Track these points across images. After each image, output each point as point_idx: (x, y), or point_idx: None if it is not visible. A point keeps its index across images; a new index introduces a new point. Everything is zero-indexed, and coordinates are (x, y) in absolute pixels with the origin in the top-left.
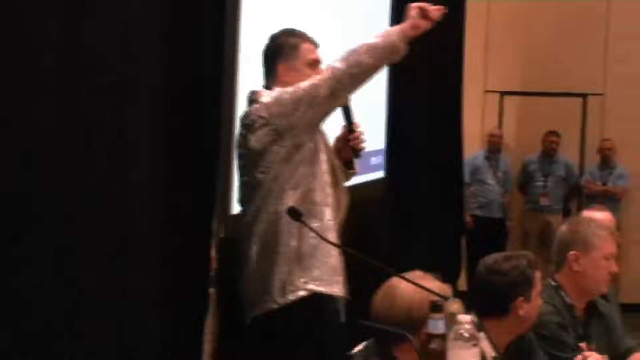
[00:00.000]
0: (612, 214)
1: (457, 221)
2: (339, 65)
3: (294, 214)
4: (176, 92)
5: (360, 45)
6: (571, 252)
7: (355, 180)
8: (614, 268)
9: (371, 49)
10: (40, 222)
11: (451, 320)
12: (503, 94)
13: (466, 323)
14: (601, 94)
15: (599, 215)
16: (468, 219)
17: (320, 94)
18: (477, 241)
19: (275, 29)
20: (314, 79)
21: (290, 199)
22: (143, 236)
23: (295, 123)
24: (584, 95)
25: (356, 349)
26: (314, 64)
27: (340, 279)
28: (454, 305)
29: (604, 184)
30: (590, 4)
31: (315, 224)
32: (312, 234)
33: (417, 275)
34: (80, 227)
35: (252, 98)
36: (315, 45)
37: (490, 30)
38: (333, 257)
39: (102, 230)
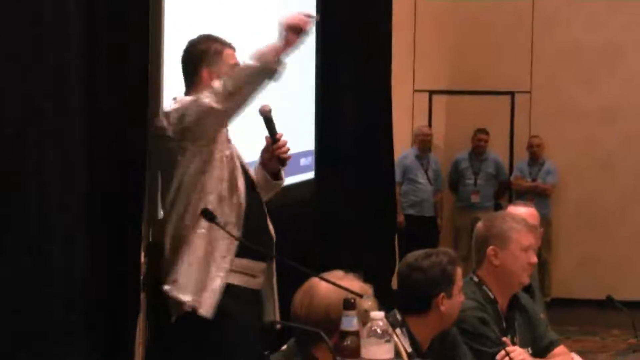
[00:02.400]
0: (540, 210)
1: (389, 221)
2: (220, 85)
3: (208, 215)
4: (101, 96)
5: (239, 67)
6: (490, 248)
7: (284, 181)
8: (533, 259)
9: (247, 71)
10: None
11: (364, 317)
12: (432, 93)
13: (379, 320)
14: (528, 92)
15: (523, 210)
16: (400, 218)
17: (204, 105)
18: (409, 240)
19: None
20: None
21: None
22: (72, 239)
23: (186, 130)
24: (511, 94)
25: (283, 348)
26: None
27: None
28: (367, 303)
29: (534, 180)
30: (516, 3)
31: (201, 230)
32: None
33: (337, 275)
34: (4, 229)
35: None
36: (234, 50)
37: (418, 30)
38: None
39: (28, 234)
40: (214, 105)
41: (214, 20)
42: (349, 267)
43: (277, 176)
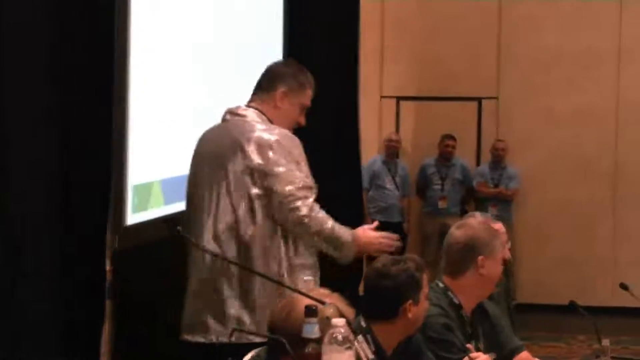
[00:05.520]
0: (503, 214)
1: (357, 227)
2: (317, 217)
3: (170, 225)
4: (67, 101)
5: (335, 232)
6: (480, 257)
7: None
8: (501, 269)
9: (332, 241)
10: None
11: (326, 324)
12: (399, 99)
13: (340, 327)
14: (495, 98)
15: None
16: (368, 224)
17: (296, 209)
18: None
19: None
20: (302, 195)
21: None
22: (35, 246)
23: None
24: (479, 100)
25: (248, 356)
26: (304, 110)
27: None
28: (329, 310)
29: (496, 185)
30: (482, 10)
31: None
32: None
33: (323, 293)
34: None
35: (237, 113)
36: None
37: (385, 36)
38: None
39: None
40: (304, 217)
41: (181, 21)
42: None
43: None
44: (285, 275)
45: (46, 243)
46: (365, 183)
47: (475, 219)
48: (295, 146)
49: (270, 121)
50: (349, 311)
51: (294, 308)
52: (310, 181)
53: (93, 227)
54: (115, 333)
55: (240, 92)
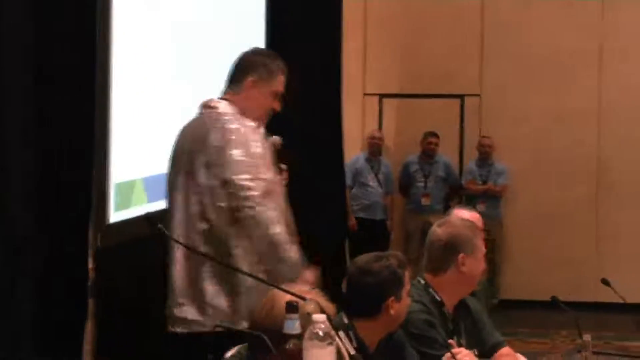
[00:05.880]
0: (492, 211)
1: (339, 225)
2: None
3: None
4: (49, 100)
5: (283, 252)
6: (461, 255)
7: None
8: (484, 265)
9: (279, 243)
10: None
11: (307, 320)
12: (382, 96)
13: (321, 322)
14: (478, 95)
15: (467, 215)
16: (352, 221)
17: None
18: (359, 243)
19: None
20: (254, 185)
21: None
22: (18, 245)
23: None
24: (461, 97)
25: (229, 354)
26: (278, 96)
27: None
28: (310, 306)
29: (484, 182)
30: (465, 8)
31: None
32: None
33: (303, 290)
34: None
35: (210, 105)
36: (285, 77)
37: (368, 34)
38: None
39: None
40: (252, 208)
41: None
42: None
43: None
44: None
45: (35, 243)
46: (348, 180)
47: (457, 218)
48: (255, 140)
49: (243, 112)
50: (330, 307)
51: (274, 304)
52: (266, 176)
53: (75, 225)
54: (98, 331)
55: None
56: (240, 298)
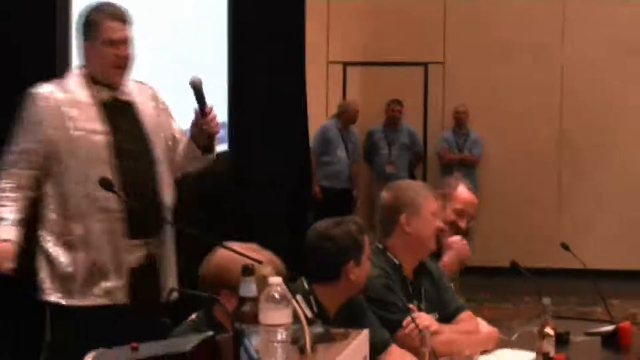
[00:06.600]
0: (468, 181)
1: (303, 192)
2: None
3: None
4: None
5: None
6: (402, 216)
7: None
8: (440, 224)
9: None
10: None
11: (263, 283)
12: (346, 64)
13: (277, 285)
14: (442, 63)
15: (466, 193)
16: (316, 189)
17: None
18: (324, 212)
19: None
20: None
21: None
22: None
23: None
24: (425, 65)
25: (188, 320)
26: (114, 43)
27: None
28: (267, 269)
29: (460, 150)
30: None
31: None
32: None
33: (252, 247)
34: None
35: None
36: (123, 22)
37: (331, 2)
38: None
39: None
40: None
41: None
42: (263, 239)
43: (208, 149)
44: None
45: None
46: (317, 147)
47: (404, 181)
48: (27, 108)
49: (92, 74)
50: (281, 266)
51: (209, 260)
52: (23, 147)
53: None
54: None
55: (183, 55)
56: None
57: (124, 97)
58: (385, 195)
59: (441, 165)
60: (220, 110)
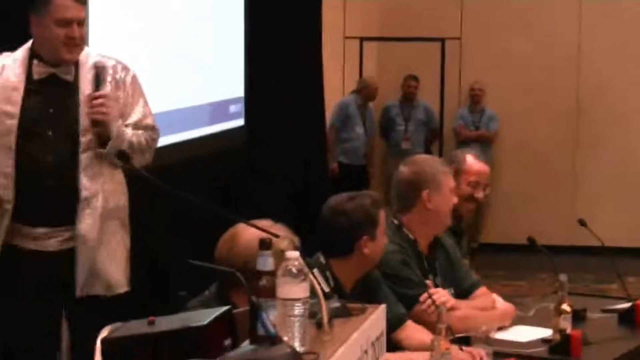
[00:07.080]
0: (483, 157)
1: (319, 168)
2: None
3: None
4: None
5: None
6: (425, 192)
7: (214, 128)
8: (456, 200)
9: None
10: None
11: (280, 257)
12: (362, 40)
13: (294, 259)
14: (458, 39)
15: (478, 165)
16: (334, 165)
17: None
18: (340, 187)
19: None
20: None
21: None
22: None
23: None
24: (442, 40)
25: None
26: (65, 23)
27: None
28: (283, 243)
29: (477, 127)
30: None
31: None
32: None
33: (266, 224)
34: None
35: None
36: (78, 2)
37: None
38: None
39: None
40: None
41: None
42: (280, 215)
43: (104, 143)
44: None
45: None
46: (337, 123)
47: (423, 156)
48: None
49: (40, 52)
50: (296, 241)
51: (235, 243)
52: None
53: None
54: None
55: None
56: None
57: (63, 76)
58: (404, 170)
59: (457, 141)
60: (236, 86)
